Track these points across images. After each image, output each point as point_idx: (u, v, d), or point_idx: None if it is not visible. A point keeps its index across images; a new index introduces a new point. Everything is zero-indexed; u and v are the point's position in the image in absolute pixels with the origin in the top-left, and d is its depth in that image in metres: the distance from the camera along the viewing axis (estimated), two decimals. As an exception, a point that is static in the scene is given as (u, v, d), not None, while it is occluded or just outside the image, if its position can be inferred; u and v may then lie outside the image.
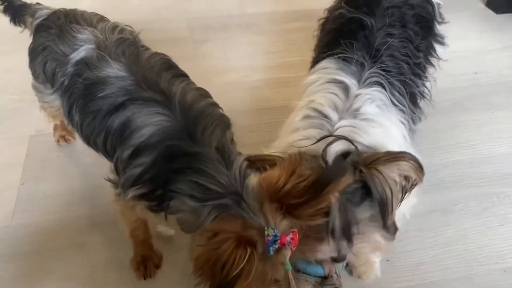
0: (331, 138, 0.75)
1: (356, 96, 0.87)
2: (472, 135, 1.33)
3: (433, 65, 1.16)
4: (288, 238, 0.64)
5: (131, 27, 0.97)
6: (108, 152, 0.83)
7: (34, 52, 0.99)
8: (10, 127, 1.32)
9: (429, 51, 1.14)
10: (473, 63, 1.60)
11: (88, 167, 1.20)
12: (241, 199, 0.66)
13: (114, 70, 0.82)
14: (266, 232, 0.63)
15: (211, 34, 1.72)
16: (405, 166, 0.71)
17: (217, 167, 0.69)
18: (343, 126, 0.80)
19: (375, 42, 0.96)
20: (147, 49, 0.91)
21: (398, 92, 0.93)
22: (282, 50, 1.65)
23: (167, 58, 0.89)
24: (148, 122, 0.75)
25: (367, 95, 0.87)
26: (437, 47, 1.17)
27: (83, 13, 0.98)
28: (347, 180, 0.65)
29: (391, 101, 0.91)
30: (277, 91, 1.47)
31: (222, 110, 0.82)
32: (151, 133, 0.74)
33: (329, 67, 0.95)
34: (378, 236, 0.76)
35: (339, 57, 0.94)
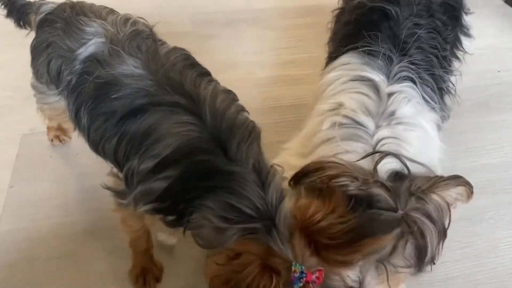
0: (378, 155, 0.68)
1: (389, 95, 0.79)
2: (500, 137, 1.24)
3: (458, 58, 1.09)
4: (313, 277, 0.58)
5: (144, 19, 0.88)
6: (118, 160, 0.74)
7: (36, 50, 0.90)
8: (0, 125, 1.23)
9: (455, 43, 1.07)
10: (494, 61, 1.52)
11: (84, 169, 1.12)
12: (272, 225, 0.61)
13: (129, 67, 0.74)
14: (293, 268, 0.58)
15: (216, 29, 1.64)
16: (462, 191, 0.68)
17: (254, 189, 0.63)
18: (384, 138, 0.73)
19: (402, 33, 0.88)
20: (164, 43, 0.82)
21: (429, 87, 0.86)
22: (291, 47, 1.58)
23: (187, 53, 0.81)
24: (175, 131, 0.67)
25: (402, 93, 0.79)
26: (463, 39, 1.10)
27: (91, 5, 0.89)
28: (390, 238, 0.61)
29: (423, 97, 0.83)
30: (286, 89, 1.40)
31: (248, 113, 0.75)
32: (179, 145, 0.66)
33: (352, 63, 0.87)
34: None
35: (363, 51, 0.86)
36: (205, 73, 0.78)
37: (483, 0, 1.85)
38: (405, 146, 0.73)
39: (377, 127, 0.75)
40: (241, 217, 0.62)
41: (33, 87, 0.98)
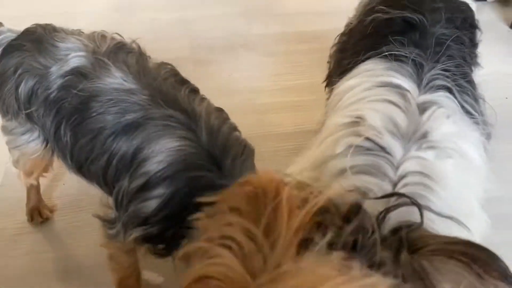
0: (393, 201, 0.50)
1: (423, 107, 0.65)
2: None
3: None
4: None
5: (120, 35, 0.82)
6: (107, 182, 0.69)
7: (1, 79, 0.80)
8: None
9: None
10: (501, 88, 1.46)
11: (70, 201, 1.05)
12: None
13: (118, 80, 0.70)
14: None
15: (215, 55, 1.60)
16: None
17: None
18: (409, 172, 0.57)
19: (431, 40, 0.77)
20: (149, 57, 0.78)
21: (469, 95, 0.73)
22: (290, 73, 1.54)
23: (175, 69, 0.77)
24: (169, 147, 0.64)
25: (439, 107, 0.66)
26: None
27: (62, 27, 0.83)
28: None
29: (463, 107, 0.70)
30: (285, 116, 1.35)
31: (240, 133, 0.72)
32: (172, 160, 0.63)
33: (376, 69, 0.74)
34: None
35: (388, 55, 0.74)
36: (196, 90, 0.75)
37: (487, 26, 1.80)
38: (435, 188, 0.56)
39: (405, 152, 0.59)
40: None
41: (2, 129, 0.87)
